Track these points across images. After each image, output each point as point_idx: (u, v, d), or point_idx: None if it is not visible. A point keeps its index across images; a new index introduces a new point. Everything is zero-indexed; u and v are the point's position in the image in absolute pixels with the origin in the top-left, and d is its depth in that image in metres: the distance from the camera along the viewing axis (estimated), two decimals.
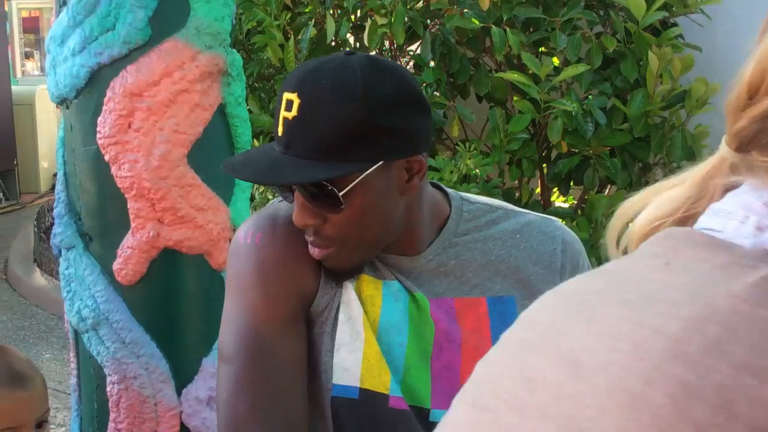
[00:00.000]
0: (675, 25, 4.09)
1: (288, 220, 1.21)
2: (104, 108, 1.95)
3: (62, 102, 2.06)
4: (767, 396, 0.41)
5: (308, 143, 1.09)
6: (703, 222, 0.57)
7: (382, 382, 1.20)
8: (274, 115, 1.13)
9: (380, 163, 1.11)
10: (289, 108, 1.10)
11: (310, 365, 1.22)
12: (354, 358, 1.20)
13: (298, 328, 1.20)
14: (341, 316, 1.22)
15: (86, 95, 1.99)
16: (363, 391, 1.20)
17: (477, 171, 3.74)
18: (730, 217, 0.54)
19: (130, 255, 1.99)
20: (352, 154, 1.09)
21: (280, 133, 1.11)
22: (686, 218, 0.59)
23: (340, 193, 1.10)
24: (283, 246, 1.21)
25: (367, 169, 1.11)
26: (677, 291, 0.49)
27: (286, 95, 1.10)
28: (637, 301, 0.50)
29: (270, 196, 4.07)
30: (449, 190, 1.28)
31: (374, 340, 1.21)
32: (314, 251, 1.18)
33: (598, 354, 0.49)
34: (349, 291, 1.22)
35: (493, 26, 3.80)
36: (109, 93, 1.95)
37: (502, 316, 1.23)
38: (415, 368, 1.22)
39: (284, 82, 1.13)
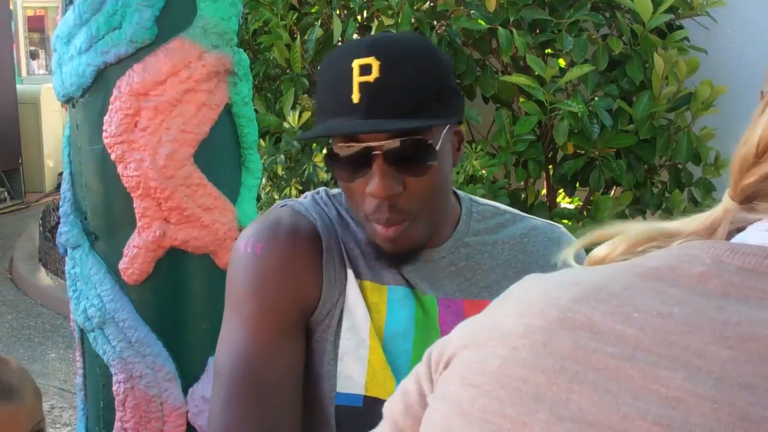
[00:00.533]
0: (681, 27, 4.09)
1: (291, 228, 1.19)
2: (110, 107, 1.96)
3: (68, 101, 2.07)
4: None
5: (394, 102, 1.08)
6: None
7: (387, 389, 1.19)
8: (336, 87, 1.10)
9: (451, 123, 1.14)
10: (367, 72, 1.08)
11: (311, 373, 1.21)
12: (358, 366, 1.19)
13: (294, 341, 1.19)
14: (344, 324, 1.20)
15: (92, 94, 1.99)
16: (367, 399, 1.20)
17: (483, 172, 3.74)
18: None
19: (136, 254, 1.99)
20: (434, 109, 1.10)
21: (356, 100, 1.08)
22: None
23: (437, 147, 1.10)
24: (285, 256, 1.19)
25: (447, 125, 1.13)
26: None
27: (359, 61, 1.08)
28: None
29: (276, 196, 4.07)
30: (459, 192, 1.28)
31: (380, 348, 1.20)
32: (388, 231, 1.15)
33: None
34: (352, 298, 1.20)
35: (500, 27, 3.80)
36: (115, 92, 1.95)
37: None
38: None
39: (341, 54, 1.11)
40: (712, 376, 0.50)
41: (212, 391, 1.20)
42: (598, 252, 0.66)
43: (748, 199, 0.61)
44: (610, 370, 0.53)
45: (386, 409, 0.74)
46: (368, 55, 1.08)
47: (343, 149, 1.12)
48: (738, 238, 0.61)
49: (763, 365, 0.49)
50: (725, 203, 0.63)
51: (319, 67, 4.56)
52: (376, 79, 1.07)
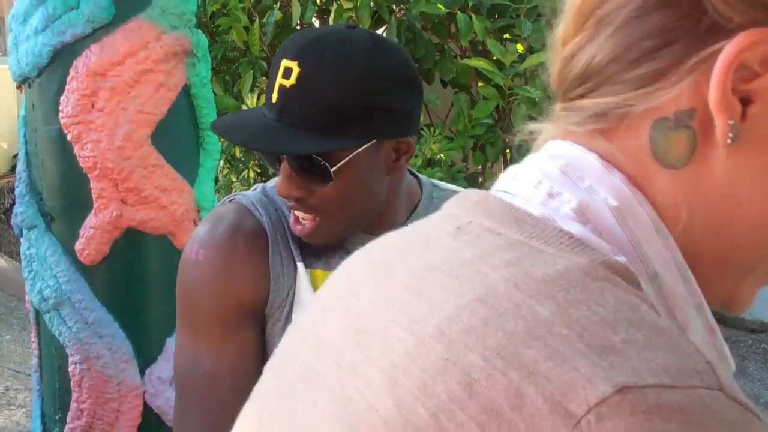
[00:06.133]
0: None
1: (230, 228, 1.18)
2: (67, 87, 1.94)
3: (24, 81, 2.05)
4: (508, 380, 0.42)
5: (304, 113, 1.07)
6: (501, 184, 0.56)
7: None
8: (270, 79, 1.10)
9: (373, 141, 1.10)
10: (287, 75, 1.07)
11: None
12: None
13: (240, 339, 1.19)
14: (294, 317, 1.21)
15: (49, 74, 1.98)
16: None
17: (441, 155, 3.75)
18: (526, 181, 0.53)
19: (93, 235, 1.98)
20: (347, 129, 1.07)
21: (273, 100, 1.08)
22: None
23: (332, 169, 1.08)
24: (224, 257, 1.19)
25: (360, 147, 1.09)
26: (463, 265, 0.49)
27: (285, 62, 1.08)
28: (424, 270, 0.51)
29: (234, 179, 4.06)
30: (422, 177, 1.28)
31: None
32: (296, 228, 1.16)
33: (379, 323, 0.50)
34: (302, 291, 1.20)
35: (459, 12, 3.81)
36: (72, 72, 1.94)
37: None
38: None
39: (283, 48, 1.11)
40: (352, 323, 0.52)
41: (174, 398, 1.21)
42: None
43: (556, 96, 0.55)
44: (309, 317, 0.58)
45: None
46: (294, 59, 1.07)
47: None
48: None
49: (387, 311, 0.51)
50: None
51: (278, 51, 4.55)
52: (292, 86, 1.07)
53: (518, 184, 0.54)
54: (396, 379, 0.45)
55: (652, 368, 0.40)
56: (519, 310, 0.44)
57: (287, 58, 1.08)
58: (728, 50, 0.46)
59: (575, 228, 0.49)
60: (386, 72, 1.09)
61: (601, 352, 0.41)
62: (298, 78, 1.07)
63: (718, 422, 0.39)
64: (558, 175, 0.52)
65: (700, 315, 0.51)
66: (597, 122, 0.51)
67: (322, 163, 1.08)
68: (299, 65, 1.07)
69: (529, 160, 0.55)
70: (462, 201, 0.56)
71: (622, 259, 0.48)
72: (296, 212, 1.16)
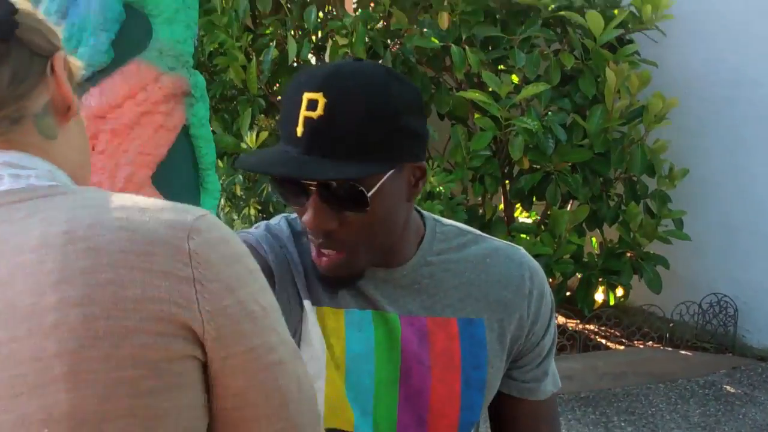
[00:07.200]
0: (631, 41, 4.16)
1: None
2: None
3: None
4: (135, 247, 0.76)
5: (335, 142, 1.06)
6: None
7: (347, 419, 1.18)
8: (287, 116, 1.10)
9: (399, 165, 1.10)
10: (312, 107, 1.07)
11: None
12: (317, 398, 1.19)
13: None
14: (303, 356, 1.20)
15: None
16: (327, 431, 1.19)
17: (441, 188, 3.77)
18: None
19: None
20: (377, 154, 1.08)
21: (299, 134, 1.08)
22: None
23: (369, 194, 1.08)
24: None
25: (391, 170, 1.10)
26: (26, 218, 0.78)
27: (308, 95, 1.08)
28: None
29: (235, 216, 4.07)
30: (423, 211, 1.28)
31: (338, 378, 1.19)
32: (322, 260, 1.16)
33: None
34: (309, 330, 1.19)
35: (453, 45, 3.84)
36: None
37: (472, 338, 1.23)
38: (385, 395, 1.21)
39: (297, 83, 1.11)
40: None
41: None
42: None
43: None
44: None
45: None
46: (318, 90, 1.07)
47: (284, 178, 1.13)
48: None
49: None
50: None
51: (275, 87, 4.57)
52: (319, 117, 1.07)
53: None
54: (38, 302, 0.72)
55: (191, 211, 0.80)
56: (102, 222, 0.77)
57: (309, 91, 1.08)
58: (56, 63, 0.86)
59: (56, 182, 0.83)
60: (405, 97, 1.11)
61: (160, 211, 0.79)
62: (326, 108, 1.07)
63: (222, 227, 0.82)
64: (7, 166, 0.82)
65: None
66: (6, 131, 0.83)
67: (360, 188, 1.08)
68: (324, 96, 1.07)
69: None
70: None
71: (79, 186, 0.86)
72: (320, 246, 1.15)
